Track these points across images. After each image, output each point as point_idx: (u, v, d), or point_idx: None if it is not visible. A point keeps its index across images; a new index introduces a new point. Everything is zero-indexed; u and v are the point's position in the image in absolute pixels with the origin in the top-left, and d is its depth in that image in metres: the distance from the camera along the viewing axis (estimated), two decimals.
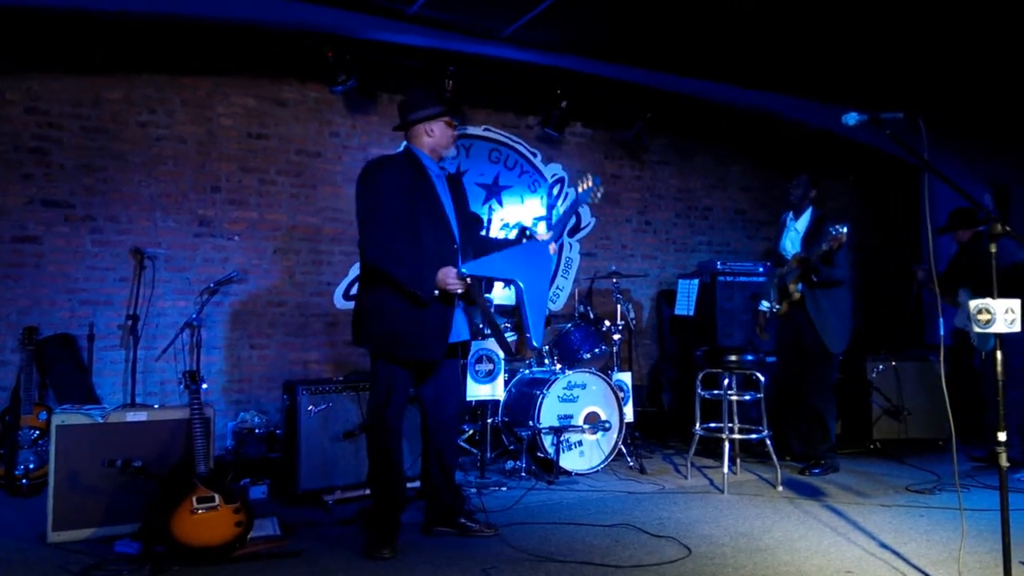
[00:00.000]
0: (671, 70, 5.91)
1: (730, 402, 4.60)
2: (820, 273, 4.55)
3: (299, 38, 5.08)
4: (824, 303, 4.65)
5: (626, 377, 5.50)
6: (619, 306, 5.64)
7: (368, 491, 3.77)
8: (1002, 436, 2.65)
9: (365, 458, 4.04)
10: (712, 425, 4.73)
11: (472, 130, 6.18)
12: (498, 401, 4.89)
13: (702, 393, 4.70)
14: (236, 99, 5.35)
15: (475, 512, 3.72)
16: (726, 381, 4.62)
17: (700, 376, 4.73)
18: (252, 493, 4.16)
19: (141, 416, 3.58)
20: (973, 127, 6.76)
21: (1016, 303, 2.69)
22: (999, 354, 2.71)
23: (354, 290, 5.64)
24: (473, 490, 4.24)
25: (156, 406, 3.81)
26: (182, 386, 3.61)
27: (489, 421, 4.74)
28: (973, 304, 2.72)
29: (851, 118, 3.06)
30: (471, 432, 4.91)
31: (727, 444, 4.42)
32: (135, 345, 4.88)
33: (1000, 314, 2.65)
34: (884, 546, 3.36)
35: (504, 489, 4.31)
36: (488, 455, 4.71)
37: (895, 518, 3.81)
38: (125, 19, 4.60)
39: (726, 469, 4.37)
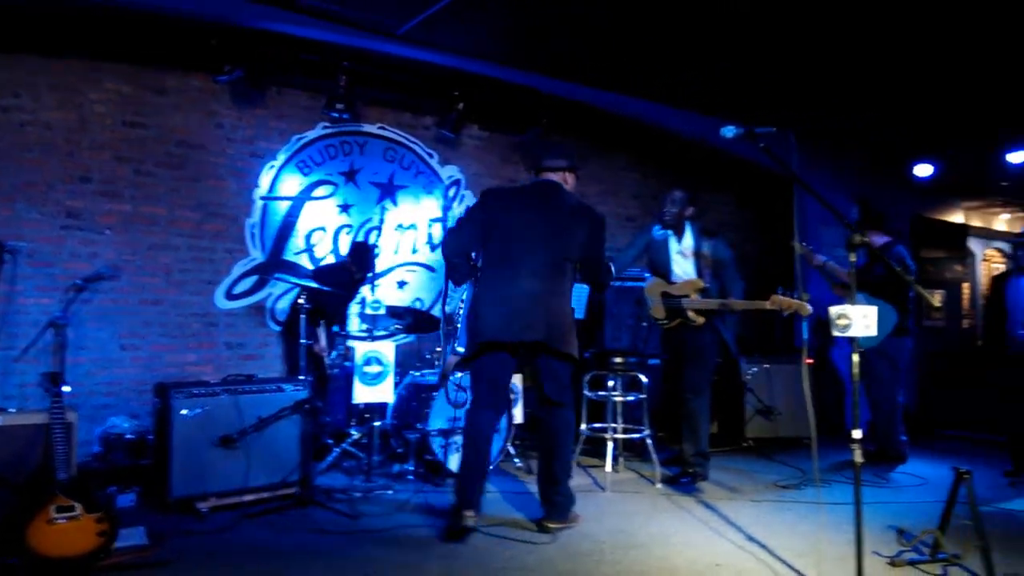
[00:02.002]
0: (567, 77, 6.01)
1: (615, 403, 4.73)
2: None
3: (182, 23, 4.83)
4: (728, 316, 4.73)
5: (517, 379, 5.54)
6: None
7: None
8: (857, 434, 2.84)
9: (243, 463, 3.92)
10: (597, 425, 4.84)
11: (367, 128, 6.08)
12: (386, 404, 4.82)
13: (588, 394, 4.82)
14: (110, 85, 5.03)
15: (358, 516, 3.66)
16: (611, 383, 4.74)
17: (587, 378, 4.83)
18: (120, 501, 3.93)
19: None
20: (844, 146, 7.26)
21: (873, 310, 2.89)
22: (855, 356, 2.90)
23: (237, 289, 5.45)
24: (359, 494, 4.17)
25: (13, 410, 3.55)
26: (43, 389, 3.36)
27: (377, 425, 4.66)
28: (834, 310, 2.91)
29: (729, 131, 3.22)
30: (358, 436, 4.81)
31: (611, 443, 4.54)
32: None
33: (857, 319, 2.84)
34: (752, 539, 3.54)
35: (391, 493, 4.26)
36: (375, 459, 4.64)
37: (764, 512, 4.03)
38: None
39: (609, 468, 4.50)
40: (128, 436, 4.58)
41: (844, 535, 3.55)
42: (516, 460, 5.02)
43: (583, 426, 4.76)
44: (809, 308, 4.10)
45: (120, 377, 5.03)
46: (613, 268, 4.14)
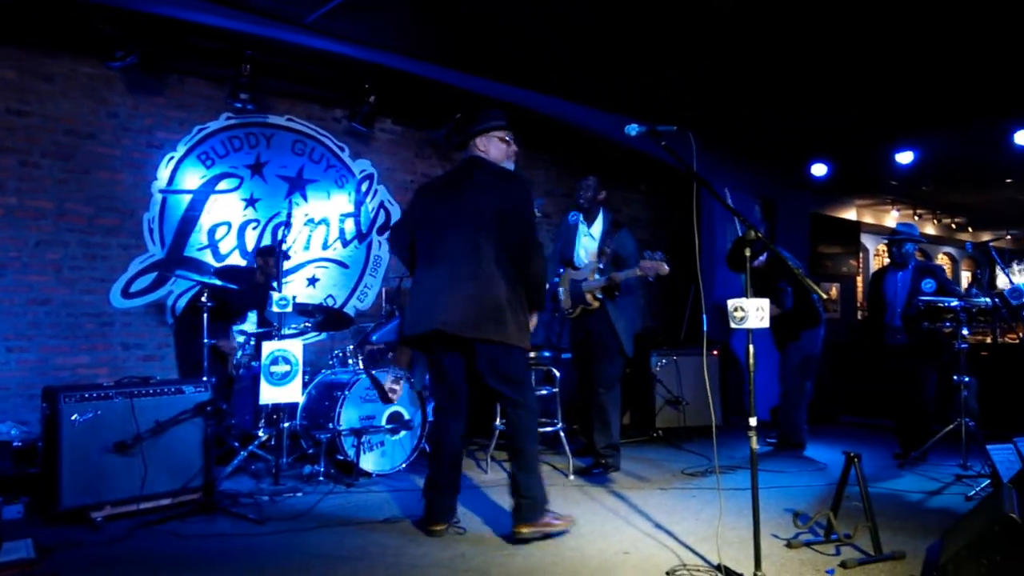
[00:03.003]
0: (479, 73, 6.00)
1: None
2: (621, 291, 4.69)
3: (70, 4, 4.56)
4: (623, 308, 4.78)
5: None
6: None
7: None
8: (753, 422, 2.95)
9: (140, 469, 3.74)
10: None
11: (274, 119, 5.90)
12: (295, 405, 4.69)
13: None
14: None
15: (265, 521, 3.54)
16: None
17: None
18: (6, 513, 3.65)
19: None
20: (746, 148, 7.55)
21: (765, 302, 3.00)
22: (751, 347, 3.01)
23: (135, 287, 5.20)
24: (265, 498, 4.04)
25: None
26: None
27: (286, 425, 4.53)
28: (731, 303, 3.01)
29: (632, 129, 3.28)
30: (266, 438, 4.66)
31: None
32: None
33: (752, 312, 2.95)
34: (659, 526, 3.64)
35: (300, 495, 4.14)
36: (285, 460, 4.51)
37: (670, 500, 4.14)
38: None
39: None
40: (16, 444, 4.30)
41: (745, 519, 3.68)
42: None
43: (497, 421, 4.77)
44: (666, 268, 4.41)
45: (6, 381, 4.72)
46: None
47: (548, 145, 7.54)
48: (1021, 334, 5.08)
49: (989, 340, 6.62)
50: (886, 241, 6.10)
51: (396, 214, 6.61)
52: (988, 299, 4.90)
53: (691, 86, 5.94)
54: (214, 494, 3.87)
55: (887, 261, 5.93)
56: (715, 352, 6.44)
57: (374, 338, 5.25)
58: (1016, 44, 5.01)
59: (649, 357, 6.20)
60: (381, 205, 6.52)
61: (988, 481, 4.29)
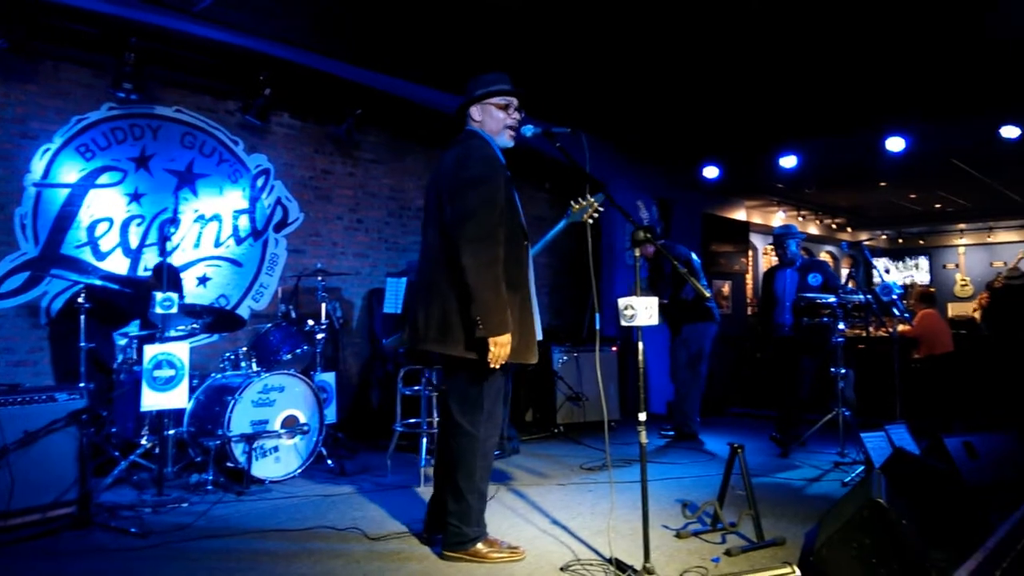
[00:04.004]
0: (381, 69, 5.90)
1: (428, 397, 4.72)
2: None
3: None
4: None
5: (330, 377, 5.40)
6: (324, 305, 5.51)
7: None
8: (642, 416, 3.03)
9: (6, 483, 3.46)
10: (412, 420, 4.81)
11: (161, 110, 5.60)
12: (182, 411, 4.48)
13: (403, 390, 4.77)
14: None
15: (147, 534, 3.37)
16: (426, 377, 4.73)
17: (402, 373, 4.79)
18: None
19: None
20: (646, 151, 7.77)
21: (654, 301, 3.09)
22: (640, 344, 3.09)
23: (4, 288, 4.83)
24: (148, 510, 3.84)
25: None
26: None
27: (171, 433, 4.32)
28: (621, 301, 3.08)
29: (528, 129, 3.33)
30: (149, 446, 4.43)
31: (423, 439, 4.53)
32: None
33: (640, 310, 3.03)
34: (556, 522, 3.69)
35: (186, 505, 3.95)
36: (170, 470, 4.29)
37: (568, 495, 4.20)
38: None
39: (422, 462, 4.48)
40: None
41: (638, 512, 3.75)
42: (329, 461, 4.86)
43: (398, 422, 4.71)
44: None
45: None
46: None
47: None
48: (891, 328, 5.44)
49: (864, 334, 7.07)
50: (771, 244, 6.42)
51: (294, 210, 6.42)
52: (862, 295, 5.22)
53: (593, 89, 6.06)
54: (90, 507, 3.63)
55: (775, 260, 6.23)
56: (615, 348, 6.59)
57: (286, 357, 5.04)
58: (888, 58, 5.37)
59: (551, 354, 6.28)
60: (278, 201, 6.32)
61: (863, 467, 4.56)
